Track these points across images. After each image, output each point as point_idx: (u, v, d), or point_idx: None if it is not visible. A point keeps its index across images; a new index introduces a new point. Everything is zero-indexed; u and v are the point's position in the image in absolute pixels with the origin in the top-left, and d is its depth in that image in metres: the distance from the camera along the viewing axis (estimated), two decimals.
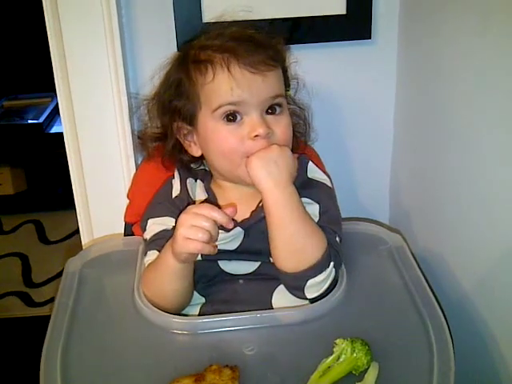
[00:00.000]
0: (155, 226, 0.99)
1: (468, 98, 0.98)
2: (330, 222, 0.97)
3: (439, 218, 1.14)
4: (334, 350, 0.79)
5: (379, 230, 1.08)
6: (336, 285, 0.93)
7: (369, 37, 1.24)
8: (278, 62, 0.97)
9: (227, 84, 0.91)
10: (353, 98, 1.30)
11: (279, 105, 0.95)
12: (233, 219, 0.96)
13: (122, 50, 1.16)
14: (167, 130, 1.01)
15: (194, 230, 0.83)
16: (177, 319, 0.87)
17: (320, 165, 1.14)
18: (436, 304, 0.88)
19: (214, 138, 0.94)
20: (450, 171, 1.07)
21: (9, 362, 1.94)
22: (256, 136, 0.91)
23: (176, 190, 1.02)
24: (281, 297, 0.94)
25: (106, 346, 0.86)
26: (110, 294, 0.99)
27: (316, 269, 0.89)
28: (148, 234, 0.99)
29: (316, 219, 0.95)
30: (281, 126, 0.94)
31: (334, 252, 0.93)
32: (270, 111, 0.94)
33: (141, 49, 1.21)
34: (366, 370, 0.78)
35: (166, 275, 0.90)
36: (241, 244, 0.97)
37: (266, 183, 0.88)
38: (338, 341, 0.80)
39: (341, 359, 0.78)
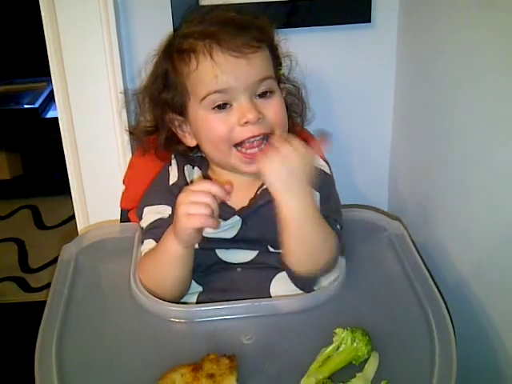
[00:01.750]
0: (151, 214, 0.97)
1: (468, 83, 0.96)
2: (331, 211, 0.95)
3: (438, 206, 1.13)
4: (334, 339, 0.79)
5: (379, 218, 1.07)
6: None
7: (368, 20, 1.22)
8: (264, 42, 0.93)
9: (211, 72, 0.89)
10: (352, 82, 1.29)
11: (269, 87, 0.92)
12: (231, 207, 0.96)
13: (117, 35, 1.14)
14: (159, 123, 1.00)
15: (195, 206, 0.82)
16: (174, 307, 0.86)
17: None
18: (437, 292, 0.88)
19: (204, 127, 0.93)
20: (450, 158, 1.05)
21: (5, 348, 1.94)
22: (246, 122, 0.89)
23: (173, 176, 1.00)
24: (279, 285, 0.93)
25: (102, 335, 0.85)
26: (106, 282, 0.97)
27: (328, 270, 0.90)
28: (144, 223, 0.98)
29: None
30: (272, 108, 0.91)
31: (338, 242, 0.91)
32: (261, 94, 0.91)
33: (137, 33, 1.19)
34: (366, 360, 0.77)
35: (168, 262, 0.88)
36: (238, 232, 0.95)
37: (279, 190, 0.83)
38: (337, 330, 0.79)
39: (340, 349, 0.78)
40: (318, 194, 0.95)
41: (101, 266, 1.00)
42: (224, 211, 0.95)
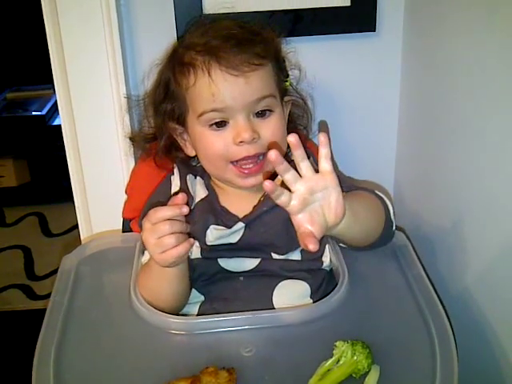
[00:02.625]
0: None
1: (473, 90, 0.95)
2: (350, 185, 0.97)
3: (443, 216, 1.11)
4: (334, 352, 0.78)
5: None
6: (337, 284, 0.91)
7: (373, 29, 1.21)
8: (267, 57, 0.92)
9: (208, 90, 0.88)
10: (357, 91, 1.28)
11: (268, 106, 0.91)
12: (234, 215, 0.95)
13: (120, 43, 1.14)
14: (160, 130, 1.00)
15: (161, 242, 0.81)
16: (174, 319, 0.86)
17: None
18: (439, 305, 0.86)
19: (201, 142, 0.93)
20: (457, 165, 1.04)
21: (11, 355, 1.94)
22: (241, 142, 0.88)
23: (175, 186, 1.00)
24: (282, 293, 0.93)
25: (102, 347, 0.84)
26: (107, 293, 0.97)
27: (388, 218, 0.93)
28: None
29: None
30: (270, 128, 0.91)
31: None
32: (260, 112, 0.91)
33: (140, 41, 1.19)
34: (366, 374, 0.76)
35: (160, 280, 0.88)
36: (242, 237, 0.95)
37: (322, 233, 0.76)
38: (337, 343, 0.78)
39: (340, 362, 0.77)
40: None
41: (101, 276, 1.00)
42: (228, 219, 0.95)
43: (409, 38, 1.22)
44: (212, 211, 0.96)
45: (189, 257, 0.91)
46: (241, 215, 0.95)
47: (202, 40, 0.91)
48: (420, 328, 0.83)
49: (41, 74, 2.68)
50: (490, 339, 0.95)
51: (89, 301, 0.93)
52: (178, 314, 0.96)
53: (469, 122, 0.98)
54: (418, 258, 0.98)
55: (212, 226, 0.95)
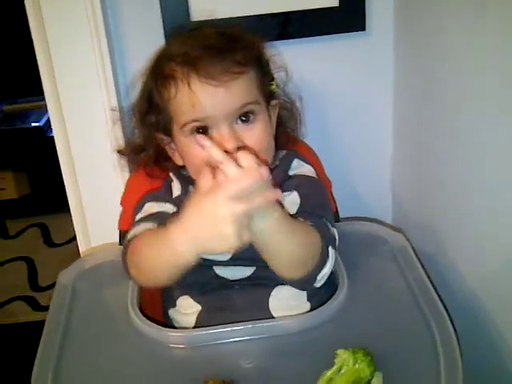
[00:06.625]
0: (154, 207, 0.94)
1: (467, 88, 0.94)
2: (314, 207, 0.92)
3: (444, 215, 1.10)
4: (335, 361, 0.76)
5: (380, 230, 1.05)
6: (337, 288, 0.90)
7: (363, 28, 1.20)
8: (248, 64, 0.90)
9: (188, 101, 0.87)
10: (349, 92, 1.27)
11: (251, 112, 0.90)
12: None
13: (109, 51, 1.13)
14: (147, 141, 0.99)
15: (242, 220, 0.71)
16: (172, 333, 0.85)
17: (313, 160, 1.10)
18: (442, 308, 0.85)
19: (185, 152, 0.92)
20: (454, 165, 1.03)
21: (17, 368, 1.93)
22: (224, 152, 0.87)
23: (177, 190, 0.99)
24: (278, 300, 0.93)
25: (100, 362, 0.83)
26: (104, 308, 0.96)
27: (319, 266, 0.86)
28: (143, 213, 0.94)
29: (296, 206, 0.91)
30: (254, 135, 0.89)
31: (325, 233, 0.87)
32: (244, 118, 0.89)
33: (128, 48, 1.18)
34: (369, 382, 0.75)
35: (172, 266, 0.79)
36: (234, 253, 0.93)
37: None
38: (339, 351, 0.77)
39: (342, 371, 0.75)
40: (295, 192, 0.93)
41: (99, 291, 0.99)
42: None
43: (400, 35, 1.20)
44: None
45: None
46: None
47: (182, 50, 0.90)
48: (423, 333, 0.82)
49: (34, 85, 2.68)
50: (497, 342, 0.93)
51: (87, 316, 0.92)
52: (174, 327, 0.96)
53: (462, 119, 0.97)
54: (419, 260, 0.96)
55: None
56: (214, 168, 0.87)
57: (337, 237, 0.91)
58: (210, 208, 0.71)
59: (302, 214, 0.88)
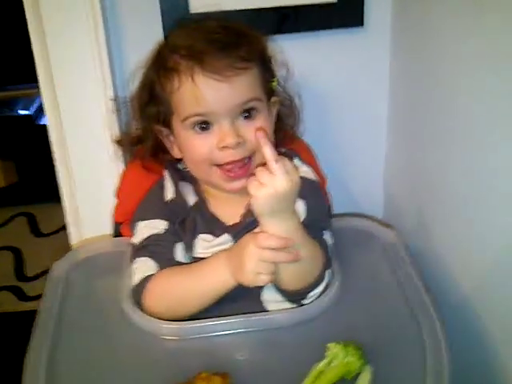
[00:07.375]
0: (145, 229, 0.96)
1: (463, 85, 0.95)
2: (317, 218, 0.94)
3: (435, 212, 1.12)
4: (326, 354, 0.78)
5: (371, 226, 1.06)
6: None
7: (361, 24, 1.20)
8: (252, 59, 0.90)
9: (192, 95, 0.87)
10: (345, 87, 1.27)
11: (254, 108, 0.90)
12: (222, 222, 0.95)
13: (106, 42, 1.13)
14: (146, 133, 0.99)
15: (263, 265, 0.81)
16: (166, 324, 0.85)
17: (310, 158, 1.11)
18: (429, 303, 0.87)
19: (186, 146, 0.92)
20: (447, 163, 1.04)
21: (3, 358, 1.92)
22: (225, 147, 0.88)
23: (169, 192, 0.99)
24: (271, 291, 0.92)
25: (93, 353, 0.84)
26: (98, 299, 0.96)
27: (316, 284, 0.89)
28: (137, 238, 0.96)
29: (302, 217, 0.92)
30: (255, 131, 0.89)
31: (325, 253, 0.90)
32: (246, 115, 0.90)
33: (127, 40, 1.17)
34: (358, 375, 0.76)
35: (208, 291, 0.87)
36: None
37: (262, 214, 0.82)
38: (330, 345, 0.78)
39: (333, 364, 0.77)
40: (302, 201, 0.93)
41: (92, 282, 0.99)
42: (216, 227, 0.95)
43: (397, 32, 1.21)
44: (201, 218, 0.95)
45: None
46: (230, 221, 0.95)
47: (187, 43, 0.90)
48: (411, 327, 0.84)
49: (25, 72, 2.66)
50: (483, 335, 0.95)
51: (80, 307, 0.93)
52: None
53: (458, 116, 0.98)
54: (410, 255, 0.98)
55: (200, 236, 0.94)
56: (212, 164, 0.89)
57: (332, 240, 0.96)
58: (246, 242, 0.83)
59: (305, 225, 0.88)
